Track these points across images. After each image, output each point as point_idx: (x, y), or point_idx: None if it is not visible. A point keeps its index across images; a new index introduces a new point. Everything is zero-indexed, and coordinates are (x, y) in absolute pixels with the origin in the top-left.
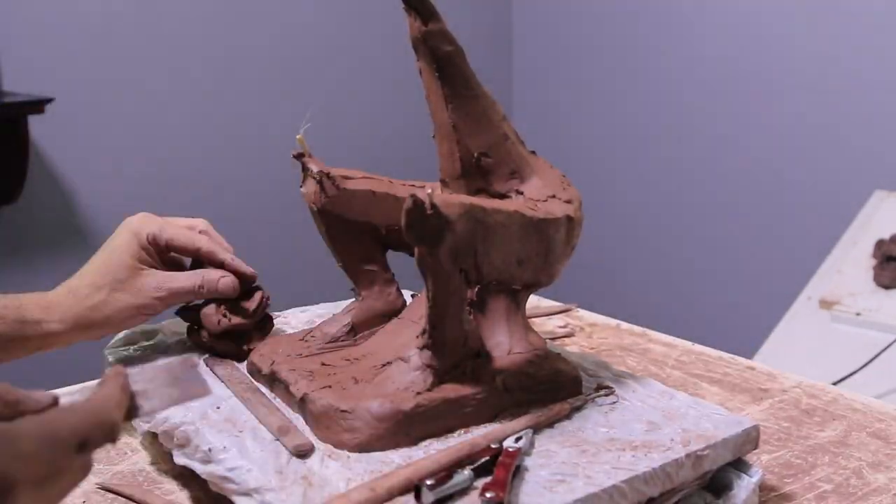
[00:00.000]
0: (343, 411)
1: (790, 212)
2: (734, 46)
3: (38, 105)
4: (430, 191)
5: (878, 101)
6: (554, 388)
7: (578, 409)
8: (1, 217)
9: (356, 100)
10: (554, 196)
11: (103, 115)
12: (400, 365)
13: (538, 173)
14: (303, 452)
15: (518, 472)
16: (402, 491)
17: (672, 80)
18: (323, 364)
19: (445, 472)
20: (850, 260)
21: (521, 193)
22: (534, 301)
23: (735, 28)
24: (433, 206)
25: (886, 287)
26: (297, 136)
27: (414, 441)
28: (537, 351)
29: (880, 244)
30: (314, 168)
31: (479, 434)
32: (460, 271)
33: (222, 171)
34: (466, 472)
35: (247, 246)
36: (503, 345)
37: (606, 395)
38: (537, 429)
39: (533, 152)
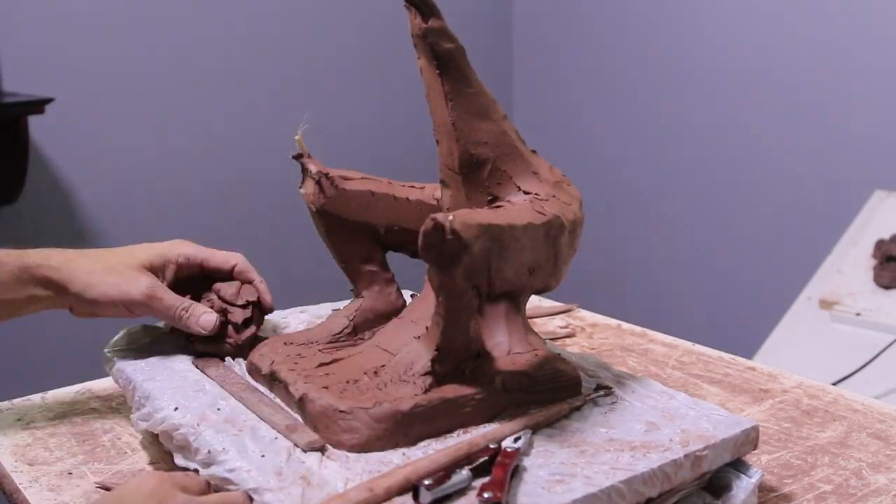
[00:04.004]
0: (342, 412)
1: (790, 212)
2: (734, 46)
3: (38, 105)
4: (451, 217)
5: (879, 101)
6: (553, 388)
7: (578, 409)
8: (1, 217)
9: (356, 100)
10: (555, 196)
11: (103, 115)
12: (400, 367)
13: (539, 173)
14: (316, 448)
15: (516, 472)
16: (401, 491)
17: (672, 81)
18: (322, 364)
19: (444, 473)
20: (850, 260)
21: (526, 193)
22: (535, 301)
23: (736, 27)
24: (453, 231)
25: (886, 287)
26: (296, 137)
27: (413, 441)
28: (537, 351)
29: (880, 244)
30: (313, 168)
31: (477, 434)
32: (472, 287)
33: (222, 171)
34: (465, 473)
35: (247, 246)
36: (503, 345)
37: (606, 395)
38: (536, 429)
39: (534, 151)
